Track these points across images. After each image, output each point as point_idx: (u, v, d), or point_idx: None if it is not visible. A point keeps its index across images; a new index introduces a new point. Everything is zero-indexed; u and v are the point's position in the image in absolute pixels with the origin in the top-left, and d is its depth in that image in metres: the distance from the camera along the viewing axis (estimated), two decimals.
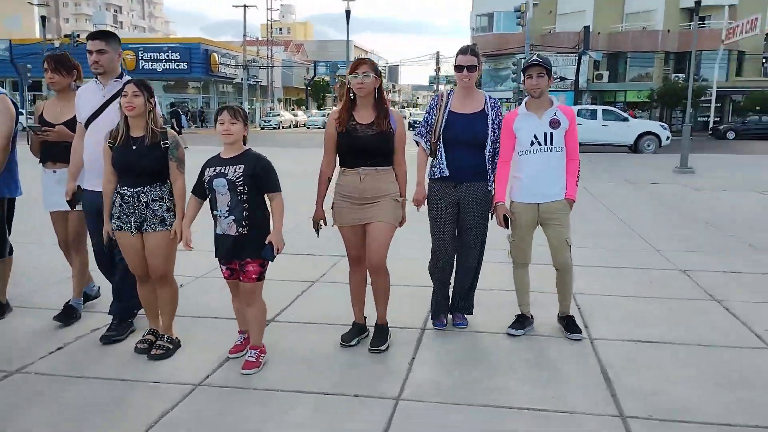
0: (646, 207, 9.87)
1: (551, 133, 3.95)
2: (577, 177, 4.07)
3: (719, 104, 41.40)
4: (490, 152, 4.04)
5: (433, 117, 4.03)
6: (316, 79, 59.83)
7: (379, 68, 3.84)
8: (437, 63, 52.63)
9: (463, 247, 4.19)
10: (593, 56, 39.70)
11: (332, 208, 3.89)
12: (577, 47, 39.21)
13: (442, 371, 3.62)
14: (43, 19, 27.92)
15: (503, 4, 45.52)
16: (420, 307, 4.60)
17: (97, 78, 4.01)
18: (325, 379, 3.50)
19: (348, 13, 21.82)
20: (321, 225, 3.99)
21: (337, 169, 3.92)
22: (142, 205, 3.64)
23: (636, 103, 43.18)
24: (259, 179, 3.52)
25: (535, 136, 3.95)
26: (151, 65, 46.15)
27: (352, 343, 3.99)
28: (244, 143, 3.60)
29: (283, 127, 48.49)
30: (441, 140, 3.99)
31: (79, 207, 4.10)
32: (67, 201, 4.07)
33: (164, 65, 46.21)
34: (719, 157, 20.75)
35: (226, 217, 3.52)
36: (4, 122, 4.17)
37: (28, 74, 31.82)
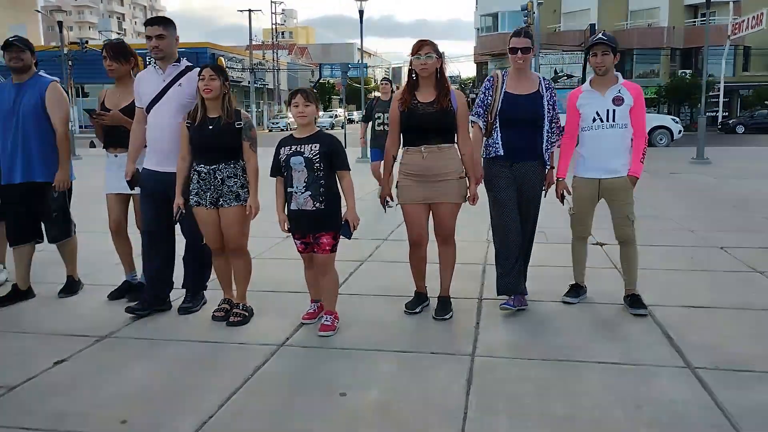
0: (671, 193, 10.04)
1: (614, 110, 4.00)
2: (643, 154, 4.09)
3: (727, 99, 41.45)
4: (546, 132, 4.09)
5: (489, 97, 4.10)
6: (321, 81, 60.06)
7: (439, 49, 3.99)
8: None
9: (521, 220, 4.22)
10: None
11: (397, 186, 4.05)
12: (582, 45, 39.34)
13: (508, 333, 3.81)
14: (60, 24, 28.15)
15: (508, 4, 45.68)
16: (472, 281, 4.81)
17: (155, 63, 4.11)
18: (400, 341, 3.69)
19: (361, 13, 21.93)
20: (388, 201, 4.16)
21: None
22: (218, 181, 3.84)
23: (646, 98, 43.22)
24: (332, 157, 3.72)
25: (597, 113, 4.03)
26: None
27: (417, 310, 4.17)
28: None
29: (291, 129, 48.70)
30: (497, 120, 4.06)
31: (137, 189, 4.25)
32: (127, 182, 4.21)
33: None
34: (732, 150, 20.87)
35: (302, 193, 3.71)
36: (61, 108, 4.39)
37: None
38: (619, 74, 4.10)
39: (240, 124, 3.84)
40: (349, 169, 3.81)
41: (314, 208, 3.72)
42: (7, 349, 3.61)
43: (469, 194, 3.98)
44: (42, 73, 4.51)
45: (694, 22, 44.13)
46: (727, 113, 41.29)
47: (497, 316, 4.08)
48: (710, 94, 38.86)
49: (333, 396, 2.97)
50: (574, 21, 44.01)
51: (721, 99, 39.12)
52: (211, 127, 3.80)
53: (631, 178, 4.08)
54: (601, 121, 4.03)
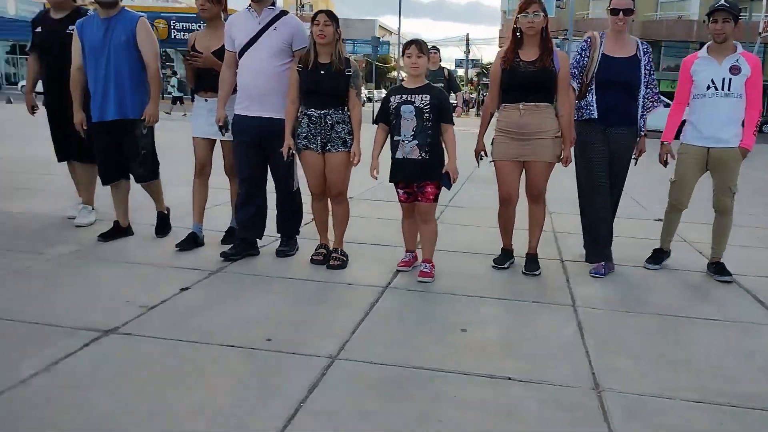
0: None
1: (730, 79, 3.98)
2: (756, 127, 4.07)
3: None
4: (642, 97, 4.12)
5: (586, 59, 4.14)
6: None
7: (546, 8, 4.07)
8: (467, 46, 52.50)
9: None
10: None
11: (492, 143, 4.16)
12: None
13: (600, 289, 3.97)
14: None
15: None
16: (547, 246, 4.98)
17: (250, 7, 4.11)
18: (499, 290, 3.87)
19: None
20: (482, 156, 4.31)
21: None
22: (328, 126, 3.97)
23: (671, 92, 42.93)
24: (441, 109, 3.86)
25: (712, 81, 4.03)
26: (183, 35, 46.27)
27: (505, 265, 4.34)
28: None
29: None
30: (593, 82, 4.11)
31: (228, 135, 4.28)
32: (219, 127, 4.22)
33: None
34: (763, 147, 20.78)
35: (409, 141, 3.86)
36: (151, 43, 4.39)
37: None
38: (738, 43, 4.07)
39: (350, 71, 3.95)
40: (453, 123, 3.95)
41: (419, 158, 3.87)
42: (130, 277, 3.80)
43: (562, 155, 4.07)
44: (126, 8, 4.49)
45: None
46: None
47: (585, 276, 4.23)
48: None
49: (455, 331, 3.15)
50: (604, 8, 43.50)
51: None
52: (322, 72, 3.92)
53: (743, 150, 4.08)
54: (716, 89, 4.03)
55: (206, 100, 4.39)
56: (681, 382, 2.66)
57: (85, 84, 4.45)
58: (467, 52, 52.59)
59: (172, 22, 46.18)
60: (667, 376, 2.72)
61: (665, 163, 4.32)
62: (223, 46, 4.22)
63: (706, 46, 4.17)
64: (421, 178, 3.91)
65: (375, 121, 4.04)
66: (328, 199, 4.23)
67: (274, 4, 4.15)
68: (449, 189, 3.98)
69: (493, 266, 4.34)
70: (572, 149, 4.11)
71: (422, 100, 3.84)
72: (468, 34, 54.62)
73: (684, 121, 4.31)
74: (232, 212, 4.64)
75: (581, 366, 2.78)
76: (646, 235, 5.41)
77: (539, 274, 4.21)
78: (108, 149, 4.51)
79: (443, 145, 3.94)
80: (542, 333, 3.18)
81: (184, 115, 21.31)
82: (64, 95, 4.59)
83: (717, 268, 4.26)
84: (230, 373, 2.60)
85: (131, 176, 4.69)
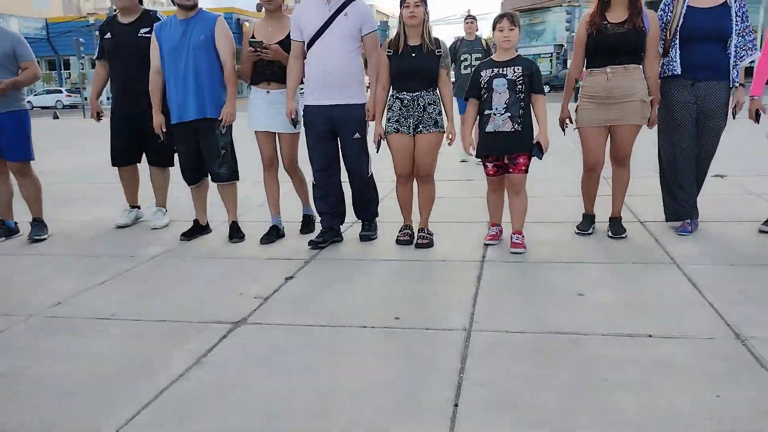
0: None
1: None
2: None
3: None
4: (735, 47, 3.98)
5: (669, 14, 4.09)
6: None
7: None
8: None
9: (699, 150, 4.18)
10: None
11: (576, 111, 4.15)
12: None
13: (694, 246, 3.97)
14: None
15: None
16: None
17: None
18: (593, 254, 3.90)
19: None
20: (567, 124, 4.30)
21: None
22: (420, 108, 3.99)
23: None
24: (532, 79, 3.86)
25: None
26: None
27: (589, 231, 4.35)
28: None
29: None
30: (677, 36, 4.04)
31: (298, 127, 4.28)
32: (292, 120, 4.19)
33: None
34: None
35: (502, 114, 3.87)
36: (230, 43, 4.37)
37: (81, 48, 31.79)
38: None
39: (440, 51, 3.96)
40: (545, 93, 3.96)
41: (512, 129, 3.88)
42: (232, 271, 3.85)
43: (651, 116, 4.07)
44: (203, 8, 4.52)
45: None
46: None
47: (671, 235, 4.24)
48: None
49: (572, 296, 3.18)
50: None
51: None
52: (413, 54, 3.93)
53: None
54: None
55: (268, 92, 4.33)
56: None
57: (163, 86, 4.47)
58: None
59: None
60: None
61: (757, 118, 4.17)
62: (287, 36, 4.20)
63: None
64: (514, 149, 3.92)
65: (465, 98, 4.05)
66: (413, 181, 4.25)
67: None
68: (540, 159, 3.99)
69: (577, 232, 4.37)
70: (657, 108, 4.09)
71: (514, 72, 3.84)
72: (469, 10, 53.99)
73: None
74: (302, 201, 4.73)
75: (713, 319, 2.81)
76: (713, 192, 5.39)
77: (626, 236, 4.22)
78: (190, 150, 4.53)
79: (532, 116, 3.94)
80: (659, 291, 3.20)
81: None
82: (143, 99, 4.60)
83: None
84: (377, 351, 2.65)
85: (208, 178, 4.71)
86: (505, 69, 3.87)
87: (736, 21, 3.99)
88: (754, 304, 2.95)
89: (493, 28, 3.91)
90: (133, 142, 4.95)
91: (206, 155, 4.52)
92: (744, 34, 4.00)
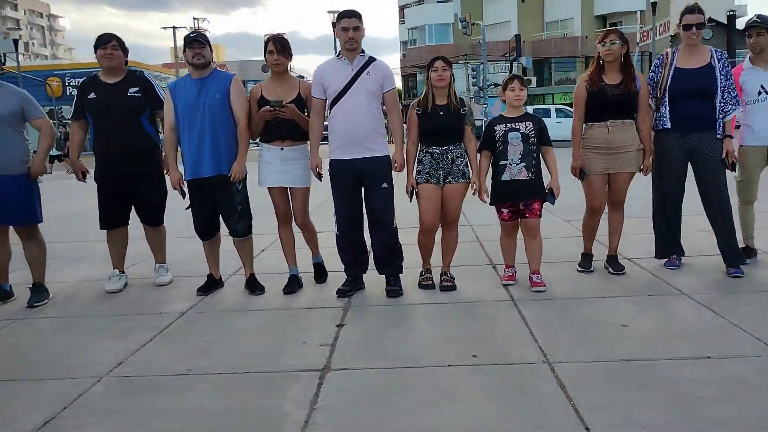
0: None
1: None
2: None
3: None
4: (720, 102, 4.40)
5: (659, 75, 4.61)
6: None
7: (625, 36, 4.50)
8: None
9: (708, 201, 4.53)
10: (523, 62, 42.12)
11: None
12: (506, 55, 41.48)
13: (691, 278, 4.43)
14: None
15: (433, 18, 47.66)
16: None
17: (340, 55, 4.29)
18: (609, 289, 4.28)
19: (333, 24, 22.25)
20: (582, 173, 4.61)
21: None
22: (449, 161, 4.29)
23: (563, 104, 46.10)
24: (542, 133, 4.28)
25: (762, 86, 4.52)
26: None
27: (590, 269, 4.77)
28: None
29: None
30: (666, 94, 4.53)
31: (296, 181, 4.42)
32: (317, 174, 4.37)
33: None
34: None
35: (518, 164, 4.24)
36: (245, 101, 4.46)
37: None
38: None
39: (464, 110, 4.31)
40: (552, 145, 4.38)
41: (527, 178, 4.25)
42: (276, 322, 3.90)
43: (643, 166, 4.57)
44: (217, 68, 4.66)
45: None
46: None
47: (662, 269, 4.70)
48: None
49: (616, 326, 3.51)
50: (496, 32, 46.32)
51: None
52: (442, 113, 4.25)
53: None
54: (766, 93, 4.55)
55: (282, 149, 4.44)
56: None
57: (176, 143, 4.49)
58: None
59: (66, 78, 44.29)
60: None
61: (732, 168, 4.58)
62: (298, 96, 4.38)
63: (747, 58, 4.73)
64: (528, 196, 4.29)
65: (479, 150, 4.38)
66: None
67: (363, 52, 4.31)
68: (553, 204, 4.37)
69: (579, 270, 4.77)
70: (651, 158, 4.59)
71: (527, 126, 4.25)
72: (263, 64, 56.06)
73: (739, 126, 4.81)
74: (313, 251, 4.82)
75: (749, 339, 3.23)
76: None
77: (625, 272, 4.66)
78: (205, 206, 4.53)
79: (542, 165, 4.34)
80: (684, 318, 3.61)
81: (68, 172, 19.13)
82: (136, 159, 4.60)
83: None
84: (479, 386, 2.82)
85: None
86: (518, 124, 4.27)
87: (721, 79, 4.44)
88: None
89: (504, 88, 4.32)
90: (124, 204, 4.81)
91: (223, 211, 4.55)
92: (728, 90, 4.44)
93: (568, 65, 47.22)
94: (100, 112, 4.64)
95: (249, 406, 2.71)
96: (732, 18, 48.94)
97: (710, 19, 49.04)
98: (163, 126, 4.73)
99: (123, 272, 4.98)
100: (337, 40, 4.33)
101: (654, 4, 26.70)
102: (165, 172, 4.79)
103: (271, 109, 4.26)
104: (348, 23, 4.20)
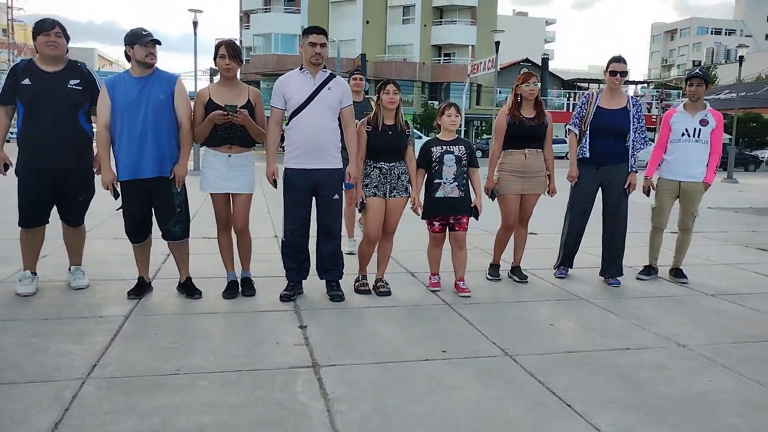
0: None
1: (700, 129, 5.22)
2: (716, 167, 5.31)
3: (465, 128, 48.81)
4: (632, 141, 5.15)
5: (584, 111, 5.34)
6: None
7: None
8: (211, 80, 52.08)
9: (610, 222, 5.29)
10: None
11: (497, 181, 5.18)
12: (348, 72, 42.78)
13: (582, 286, 5.24)
14: None
15: (280, 27, 47.64)
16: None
17: (303, 68, 4.47)
18: (527, 294, 4.91)
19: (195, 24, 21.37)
20: (493, 192, 5.22)
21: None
22: (395, 176, 4.67)
23: None
24: (471, 156, 4.83)
25: (686, 130, 5.25)
26: None
27: (499, 277, 5.40)
28: None
29: None
30: (588, 129, 5.22)
31: (238, 187, 4.48)
32: (273, 181, 4.48)
33: None
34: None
35: (451, 183, 4.75)
36: (187, 103, 4.47)
37: None
38: (707, 102, 5.37)
39: (409, 131, 4.71)
40: (479, 167, 4.94)
41: (459, 196, 4.77)
42: (236, 325, 3.96)
43: (549, 189, 5.30)
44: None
45: (440, 60, 51.15)
46: None
47: (552, 278, 5.50)
48: None
49: (545, 325, 4.11)
50: (342, 50, 47.48)
51: (463, 128, 45.93)
52: (390, 132, 4.61)
53: (705, 184, 5.34)
54: (689, 136, 5.28)
55: (230, 156, 4.47)
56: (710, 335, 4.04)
57: (110, 142, 4.32)
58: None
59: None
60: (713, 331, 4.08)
61: (648, 192, 5.49)
62: (248, 102, 4.44)
63: (682, 104, 5.46)
64: (460, 211, 4.80)
65: (418, 167, 4.80)
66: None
67: (324, 67, 4.52)
68: (477, 219, 4.92)
69: (489, 278, 5.38)
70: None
71: (460, 150, 4.76)
72: (211, 68, 54.26)
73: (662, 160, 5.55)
74: (244, 266, 4.77)
75: (650, 335, 3.99)
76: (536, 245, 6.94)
77: (528, 280, 5.36)
78: (141, 207, 4.41)
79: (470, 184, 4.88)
80: (597, 319, 4.32)
81: None
82: (68, 153, 4.39)
83: (677, 273, 5.55)
84: (468, 377, 3.20)
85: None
86: (452, 147, 4.78)
87: (633, 121, 5.20)
88: (664, 321, 4.24)
89: (441, 114, 4.81)
90: (48, 201, 4.52)
91: (160, 213, 4.46)
92: (640, 131, 5.20)
93: (406, 88, 49.82)
94: (35, 101, 4.33)
95: (265, 399, 2.84)
96: (545, 61, 55.55)
97: (527, 60, 55.74)
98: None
99: (35, 274, 4.63)
100: (302, 53, 4.50)
101: (497, 44, 29.26)
102: (95, 170, 4.59)
103: (225, 113, 4.29)
104: (316, 39, 4.38)
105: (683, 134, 5.35)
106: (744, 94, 53.38)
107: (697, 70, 5.44)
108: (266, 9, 49.27)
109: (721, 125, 5.40)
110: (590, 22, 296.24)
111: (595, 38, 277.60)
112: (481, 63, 43.29)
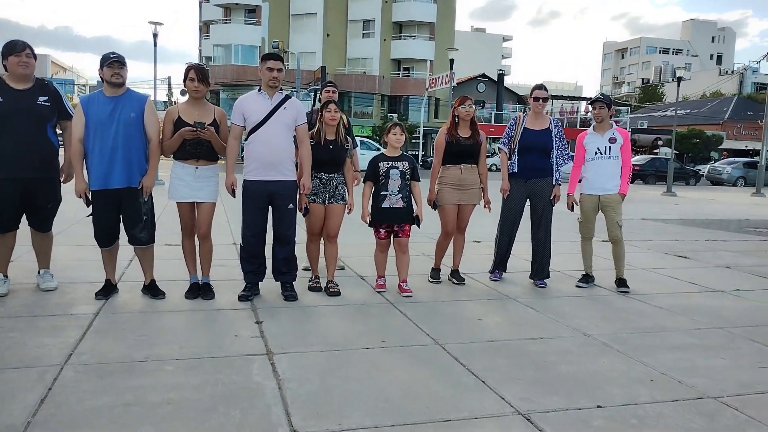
0: None
1: (610, 147, 5.80)
2: (629, 178, 5.87)
3: (424, 141, 49.71)
4: (555, 158, 5.83)
5: (513, 132, 5.98)
6: None
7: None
8: (169, 88, 51.89)
9: (536, 229, 5.92)
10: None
11: (437, 193, 5.76)
12: (310, 84, 43.27)
13: (512, 286, 5.84)
14: None
15: (240, 38, 47.85)
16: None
17: (261, 89, 4.96)
18: (462, 294, 5.46)
19: (155, 36, 21.38)
20: (435, 205, 5.80)
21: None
22: (333, 186, 5.19)
23: (363, 136, 49.14)
24: (413, 171, 5.38)
25: (598, 149, 5.83)
26: None
27: (439, 280, 5.95)
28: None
29: None
30: (517, 147, 5.91)
31: (203, 196, 4.91)
32: (232, 191, 4.94)
33: None
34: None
35: (396, 195, 5.29)
36: (157, 120, 4.89)
37: None
38: (614, 122, 6.00)
39: (348, 145, 5.24)
40: (420, 180, 5.48)
41: (402, 206, 5.31)
42: (197, 321, 4.38)
43: (484, 200, 5.88)
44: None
45: (399, 73, 52.09)
46: (424, 153, 49.43)
47: (487, 280, 6.09)
48: (413, 135, 46.50)
49: (474, 320, 4.66)
50: (302, 62, 47.92)
51: (421, 140, 46.78)
52: (331, 147, 5.14)
53: (621, 195, 5.86)
54: (601, 154, 5.85)
55: (197, 168, 4.90)
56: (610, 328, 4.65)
57: (83, 154, 4.73)
58: (169, 94, 51.97)
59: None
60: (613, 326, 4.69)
61: (572, 208, 6.16)
62: (214, 121, 4.90)
63: (591, 127, 6.05)
64: (402, 220, 5.34)
65: (365, 180, 5.33)
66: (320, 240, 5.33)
67: (281, 90, 5.00)
68: (419, 227, 5.46)
69: (431, 281, 5.93)
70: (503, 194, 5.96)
71: (404, 165, 5.31)
72: (170, 77, 54.07)
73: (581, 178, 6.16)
74: (204, 272, 5.15)
75: (564, 327, 4.58)
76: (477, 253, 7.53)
77: (465, 283, 5.92)
78: (110, 215, 4.81)
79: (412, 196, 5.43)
80: (520, 314, 4.89)
81: None
82: (36, 165, 4.77)
83: (620, 282, 5.94)
84: (404, 361, 3.71)
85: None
86: (397, 163, 5.32)
87: (556, 140, 5.89)
88: (578, 316, 4.83)
89: (388, 132, 5.35)
90: (18, 208, 4.88)
91: (128, 220, 4.87)
92: (562, 148, 5.90)
93: (366, 101, 50.57)
94: (7, 117, 4.69)
95: (224, 380, 3.29)
96: (501, 76, 56.98)
97: (484, 75, 57.22)
98: (63, 135, 4.95)
99: (7, 276, 4.97)
100: (261, 76, 4.98)
101: (451, 61, 30.24)
102: (62, 179, 4.98)
103: (194, 130, 4.75)
104: (274, 65, 4.88)
105: (596, 153, 5.93)
106: (689, 111, 56.19)
107: (599, 95, 6.10)
108: (226, 20, 49.47)
109: (628, 141, 5.98)
110: (546, 39, 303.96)
111: (551, 55, 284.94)
112: (439, 77, 44.42)
